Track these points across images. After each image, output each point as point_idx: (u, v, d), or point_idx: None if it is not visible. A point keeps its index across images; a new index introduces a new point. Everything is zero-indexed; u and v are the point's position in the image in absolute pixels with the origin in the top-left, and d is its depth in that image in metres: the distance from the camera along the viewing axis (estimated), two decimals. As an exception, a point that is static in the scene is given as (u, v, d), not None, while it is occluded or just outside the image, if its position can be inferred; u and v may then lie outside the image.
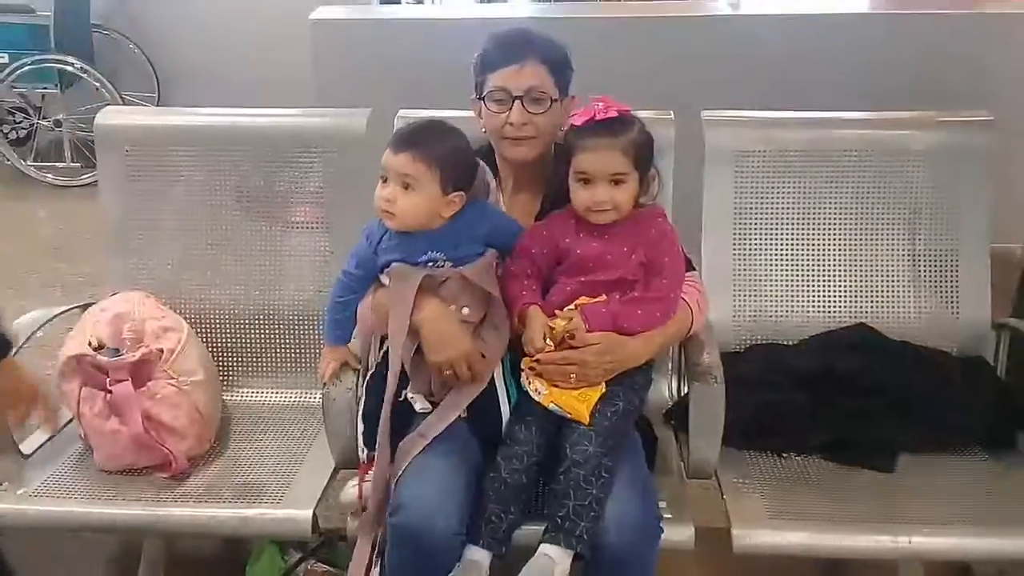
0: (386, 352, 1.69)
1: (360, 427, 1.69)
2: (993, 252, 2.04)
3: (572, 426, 1.58)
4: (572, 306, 1.61)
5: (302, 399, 2.08)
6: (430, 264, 1.61)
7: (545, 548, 1.52)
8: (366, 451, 1.68)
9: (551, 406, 1.58)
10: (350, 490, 1.68)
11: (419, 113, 2.01)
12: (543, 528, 1.55)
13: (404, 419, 1.65)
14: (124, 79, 4.93)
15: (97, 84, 4.70)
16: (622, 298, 1.61)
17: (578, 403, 1.58)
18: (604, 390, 1.60)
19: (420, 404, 1.64)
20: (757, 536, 1.63)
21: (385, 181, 1.57)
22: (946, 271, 2.02)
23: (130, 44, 5.00)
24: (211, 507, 1.76)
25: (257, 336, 2.11)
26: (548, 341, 1.59)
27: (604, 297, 1.62)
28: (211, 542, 2.27)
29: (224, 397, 2.07)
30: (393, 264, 1.61)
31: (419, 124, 1.64)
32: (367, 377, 1.73)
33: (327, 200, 2.10)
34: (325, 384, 1.69)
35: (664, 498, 1.67)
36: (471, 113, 1.81)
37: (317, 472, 1.80)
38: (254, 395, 2.11)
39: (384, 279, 1.64)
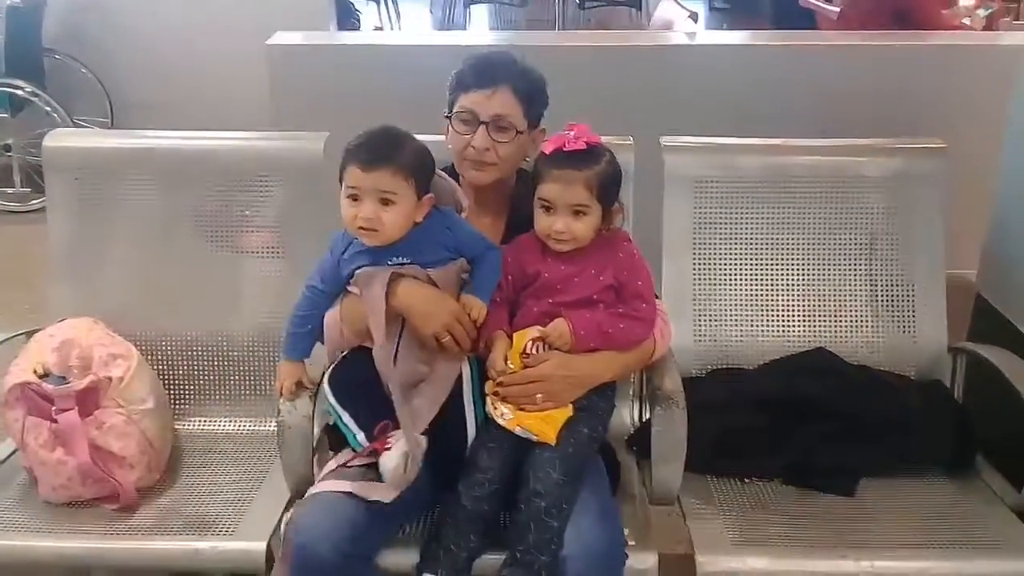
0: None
1: (343, 415, 1.62)
2: (948, 278, 2.07)
3: (536, 452, 1.56)
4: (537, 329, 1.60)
5: (256, 428, 2.03)
6: (397, 266, 1.59)
7: None
8: (361, 433, 1.59)
9: (517, 429, 1.56)
10: (395, 457, 1.52)
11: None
12: (502, 559, 1.53)
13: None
14: (76, 104, 4.85)
15: (48, 108, 4.62)
16: (606, 309, 1.61)
17: (544, 424, 1.56)
18: (572, 412, 1.59)
19: None
20: (721, 562, 1.62)
21: (355, 199, 1.54)
22: (903, 296, 2.05)
23: (82, 68, 4.92)
24: (161, 540, 1.71)
25: (210, 364, 2.07)
26: (510, 364, 1.58)
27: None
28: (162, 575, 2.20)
29: (175, 426, 2.02)
30: (357, 271, 1.59)
31: (376, 135, 1.59)
32: (331, 368, 1.67)
33: (283, 225, 2.07)
34: (282, 399, 1.65)
35: (627, 525, 1.65)
36: (429, 137, 1.79)
37: (271, 502, 1.76)
38: (206, 424, 2.06)
39: (352, 288, 1.61)
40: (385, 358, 1.57)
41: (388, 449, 1.53)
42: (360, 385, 1.60)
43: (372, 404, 1.58)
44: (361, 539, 1.52)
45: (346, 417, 1.61)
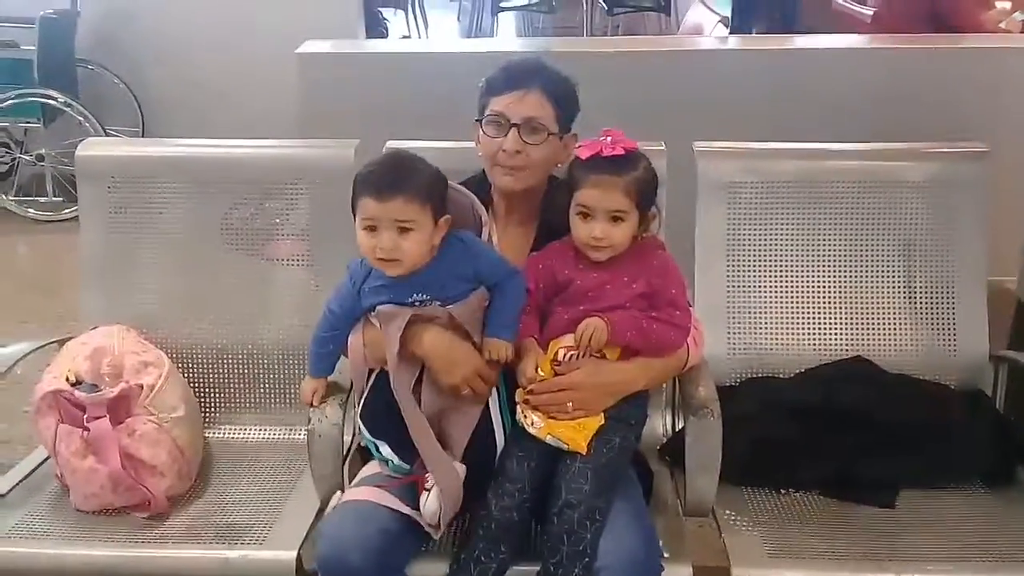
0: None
1: (382, 447, 1.61)
2: (988, 285, 2.02)
3: (567, 462, 1.54)
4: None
5: (286, 436, 2.03)
6: (417, 304, 1.57)
7: None
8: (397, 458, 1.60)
9: (548, 438, 1.54)
10: (435, 503, 1.53)
11: (407, 144, 2.00)
12: (536, 572, 1.51)
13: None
14: (108, 113, 4.90)
15: (81, 118, 4.67)
16: (641, 312, 1.58)
17: (575, 433, 1.54)
18: (603, 421, 1.56)
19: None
20: (757, 575, 1.59)
21: (372, 230, 1.52)
22: (943, 303, 2.00)
23: (114, 78, 4.98)
24: (192, 548, 1.70)
25: (240, 372, 2.06)
26: (540, 372, 1.56)
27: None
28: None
29: (206, 434, 2.01)
30: (379, 307, 1.57)
31: (386, 164, 1.58)
32: (362, 401, 1.66)
33: (313, 233, 2.06)
34: (312, 406, 1.65)
35: (660, 536, 1.62)
36: (457, 144, 1.78)
37: (302, 511, 1.75)
38: (237, 432, 2.05)
39: (374, 321, 1.59)
40: (397, 390, 1.56)
41: (428, 489, 1.53)
42: (394, 413, 1.58)
43: (407, 430, 1.56)
44: (392, 550, 1.51)
45: (385, 449, 1.61)
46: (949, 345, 1.99)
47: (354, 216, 1.55)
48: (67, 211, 4.66)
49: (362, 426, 1.64)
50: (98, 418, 1.77)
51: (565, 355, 1.57)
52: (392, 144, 1.96)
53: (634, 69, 3.10)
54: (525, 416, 1.56)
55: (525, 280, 1.63)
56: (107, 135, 4.70)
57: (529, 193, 1.74)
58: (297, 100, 3.12)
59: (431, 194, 1.54)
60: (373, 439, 1.62)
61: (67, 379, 1.82)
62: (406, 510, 1.54)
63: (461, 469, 1.55)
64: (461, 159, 1.77)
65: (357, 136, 2.08)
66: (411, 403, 1.55)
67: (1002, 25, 3.86)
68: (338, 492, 1.64)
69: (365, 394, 1.64)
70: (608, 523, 1.51)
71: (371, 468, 1.64)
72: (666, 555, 1.57)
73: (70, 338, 1.98)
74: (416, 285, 1.56)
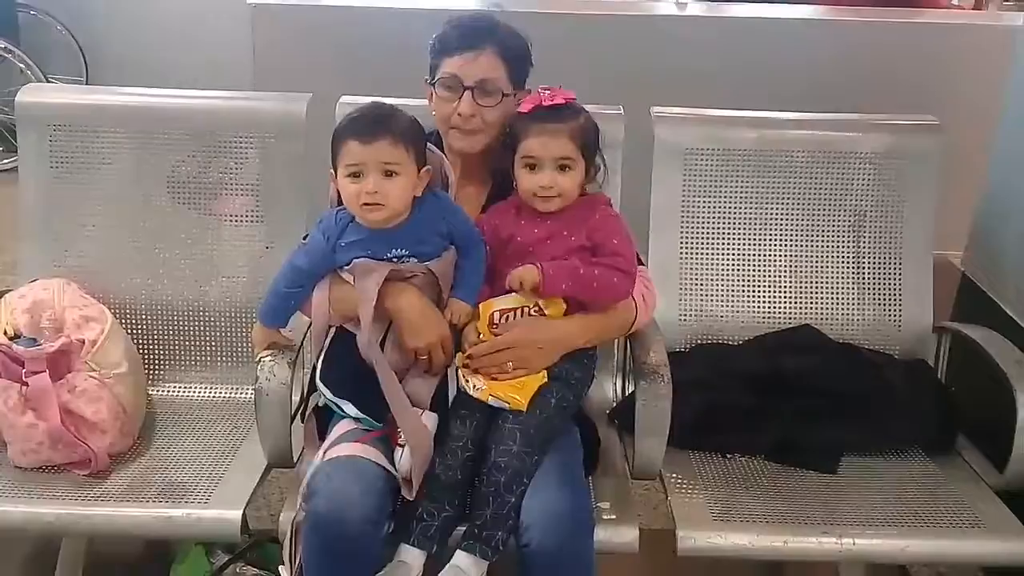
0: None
1: (346, 406, 1.59)
2: (934, 258, 2.05)
3: (499, 423, 1.55)
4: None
5: (232, 395, 2.00)
6: (395, 260, 1.56)
7: (458, 557, 1.49)
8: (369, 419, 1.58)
9: (490, 399, 1.54)
10: (408, 461, 1.52)
11: (362, 99, 1.96)
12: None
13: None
14: (50, 61, 4.73)
15: (22, 66, 4.51)
16: (581, 259, 1.58)
17: (517, 391, 1.55)
18: (545, 379, 1.57)
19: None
20: (702, 538, 1.61)
21: (356, 176, 1.50)
22: (890, 275, 2.03)
23: (57, 25, 4.81)
24: (134, 507, 1.67)
25: (186, 329, 2.02)
26: (481, 335, 1.56)
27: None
28: (134, 543, 2.17)
29: (150, 392, 1.98)
30: (355, 261, 1.55)
31: (370, 109, 1.58)
32: (320, 364, 1.64)
33: (263, 188, 2.02)
34: (260, 359, 1.62)
35: (607, 499, 1.64)
36: (413, 101, 1.75)
37: (248, 471, 1.73)
38: (182, 390, 2.02)
39: (346, 275, 1.57)
40: (369, 346, 1.55)
41: (401, 445, 1.52)
42: (356, 374, 1.57)
43: (373, 388, 1.54)
44: (382, 506, 1.49)
45: (350, 407, 1.59)
46: (894, 316, 2.03)
47: (334, 171, 1.55)
48: (6, 161, 4.51)
49: (323, 387, 1.62)
50: (37, 373, 1.73)
51: (500, 317, 1.57)
52: (347, 99, 1.92)
53: (590, 32, 3.08)
54: (467, 380, 1.56)
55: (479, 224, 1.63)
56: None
57: (485, 154, 1.72)
58: (250, 53, 3.05)
59: (414, 139, 1.54)
60: (336, 399, 1.60)
61: (5, 333, 1.77)
62: (389, 467, 1.53)
63: (432, 420, 1.54)
64: (417, 117, 1.73)
65: (311, 90, 2.04)
66: (383, 359, 1.54)
67: (955, 1, 3.90)
68: (300, 448, 1.63)
69: (324, 353, 1.62)
70: (536, 480, 1.51)
71: (346, 425, 1.61)
72: (612, 517, 1.59)
73: (8, 291, 1.92)
74: (394, 240, 1.55)
